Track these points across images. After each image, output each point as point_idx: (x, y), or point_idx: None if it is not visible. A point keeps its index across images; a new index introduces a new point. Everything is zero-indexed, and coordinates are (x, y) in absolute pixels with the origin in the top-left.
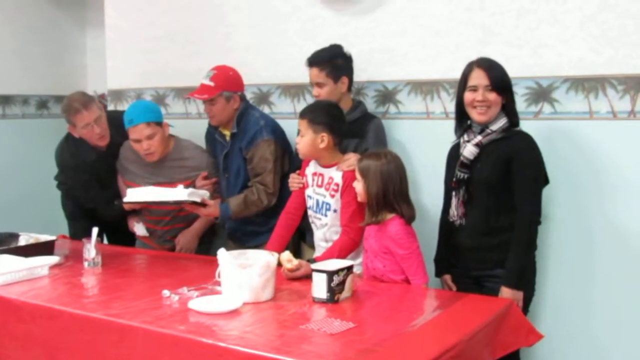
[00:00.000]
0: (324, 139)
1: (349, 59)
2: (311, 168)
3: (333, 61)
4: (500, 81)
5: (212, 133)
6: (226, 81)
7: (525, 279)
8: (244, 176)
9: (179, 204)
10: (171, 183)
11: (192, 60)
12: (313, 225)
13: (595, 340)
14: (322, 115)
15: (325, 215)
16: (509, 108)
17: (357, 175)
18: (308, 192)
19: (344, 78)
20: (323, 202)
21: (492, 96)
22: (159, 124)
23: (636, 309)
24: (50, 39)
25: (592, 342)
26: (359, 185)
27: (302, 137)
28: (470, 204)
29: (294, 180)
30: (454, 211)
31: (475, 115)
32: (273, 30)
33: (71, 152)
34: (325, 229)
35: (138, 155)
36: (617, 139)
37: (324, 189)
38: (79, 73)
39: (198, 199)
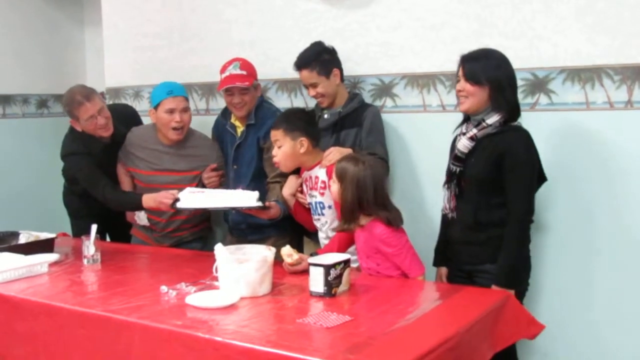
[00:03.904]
0: (303, 144)
1: (333, 51)
2: (303, 176)
3: (319, 58)
4: (472, 72)
5: (222, 125)
6: (253, 70)
7: (517, 276)
8: (256, 166)
9: (241, 209)
10: (177, 172)
11: (189, 56)
12: (319, 229)
13: (593, 327)
14: (297, 120)
15: (323, 215)
16: (504, 101)
17: (334, 176)
18: (308, 199)
19: (335, 70)
20: (317, 203)
21: (467, 86)
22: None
23: (634, 297)
24: (49, 38)
25: (590, 330)
26: (334, 186)
27: (280, 148)
28: (461, 198)
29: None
30: (445, 204)
31: (459, 104)
32: (268, 25)
33: (79, 142)
34: (326, 227)
35: (146, 141)
36: (614, 129)
37: (315, 191)
38: (78, 71)
39: (263, 204)
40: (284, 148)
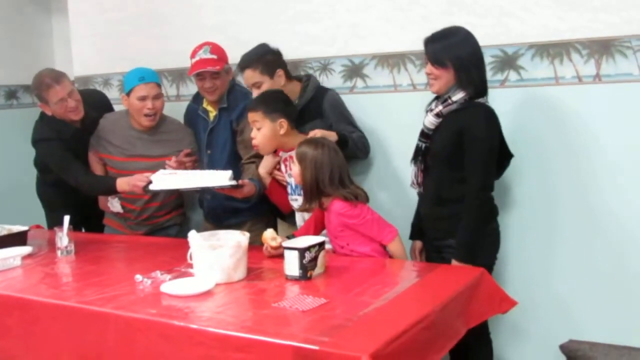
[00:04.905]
0: (282, 125)
1: (278, 53)
2: (281, 156)
3: (263, 58)
4: (434, 55)
5: (194, 110)
6: (223, 54)
7: (484, 251)
8: (230, 149)
9: (214, 189)
10: (151, 157)
11: (158, 42)
12: (295, 211)
13: (559, 299)
14: (275, 102)
15: (300, 195)
16: (467, 80)
17: (295, 159)
18: (286, 178)
19: (279, 71)
20: (297, 184)
21: (433, 69)
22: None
23: (596, 266)
24: (16, 27)
25: (554, 299)
26: (295, 169)
27: (259, 130)
28: (427, 174)
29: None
30: (413, 179)
31: (430, 86)
32: (238, 9)
33: (50, 127)
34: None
35: (119, 127)
36: (583, 104)
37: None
38: (46, 61)
39: (236, 182)
40: (263, 130)
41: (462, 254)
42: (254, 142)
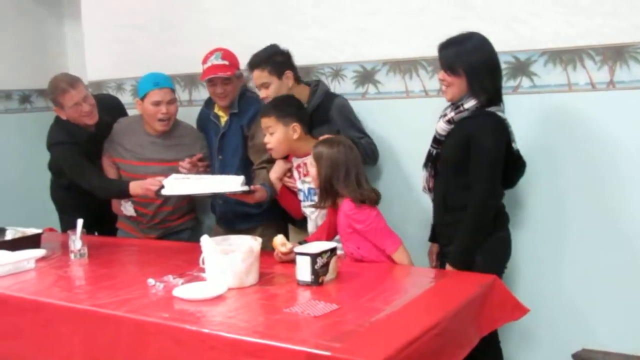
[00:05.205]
0: (296, 129)
1: (288, 54)
2: (294, 163)
3: (272, 59)
4: (447, 61)
5: (206, 115)
6: (235, 59)
7: (469, 259)
8: (241, 155)
9: (226, 194)
10: (163, 162)
11: (169, 47)
12: (308, 218)
13: (571, 304)
14: (288, 107)
15: (314, 200)
16: (479, 88)
17: (312, 159)
18: (298, 185)
19: (288, 72)
20: (310, 189)
21: (446, 76)
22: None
23: (609, 273)
24: (30, 33)
25: (568, 307)
26: (312, 170)
27: (273, 135)
28: (436, 179)
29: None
30: (424, 184)
31: (443, 93)
32: (248, 14)
33: (64, 131)
34: (315, 215)
35: (133, 131)
36: (597, 110)
37: (308, 177)
38: (60, 66)
39: (248, 188)
40: (276, 135)
41: (455, 260)
42: (268, 146)
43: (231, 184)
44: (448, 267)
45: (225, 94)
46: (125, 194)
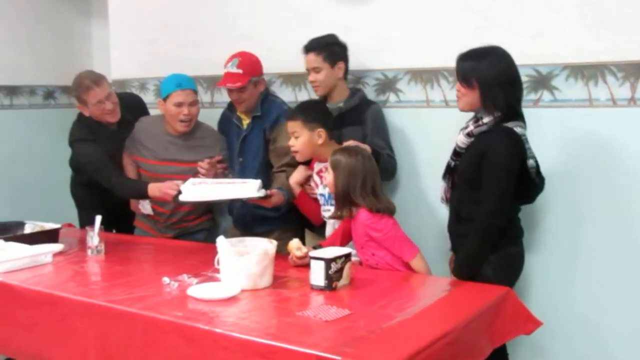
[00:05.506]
0: (321, 135)
1: (345, 47)
2: (315, 168)
3: (329, 47)
4: (463, 73)
5: (228, 118)
6: (252, 66)
7: (470, 272)
8: (262, 157)
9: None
10: (183, 162)
11: (193, 49)
12: (327, 222)
13: (586, 318)
14: (314, 112)
15: (333, 205)
16: (494, 102)
17: (329, 167)
18: (319, 191)
19: (340, 63)
20: (330, 193)
21: (461, 87)
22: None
23: (626, 287)
24: (56, 30)
25: (582, 321)
26: (329, 177)
27: (298, 139)
28: (453, 191)
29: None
30: (442, 194)
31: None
32: (273, 19)
33: (87, 128)
34: (333, 220)
35: (154, 131)
36: (617, 127)
37: None
38: (84, 63)
39: (265, 193)
40: (301, 139)
41: (458, 272)
42: (293, 148)
43: (248, 189)
44: (452, 278)
45: (240, 100)
46: (143, 195)
